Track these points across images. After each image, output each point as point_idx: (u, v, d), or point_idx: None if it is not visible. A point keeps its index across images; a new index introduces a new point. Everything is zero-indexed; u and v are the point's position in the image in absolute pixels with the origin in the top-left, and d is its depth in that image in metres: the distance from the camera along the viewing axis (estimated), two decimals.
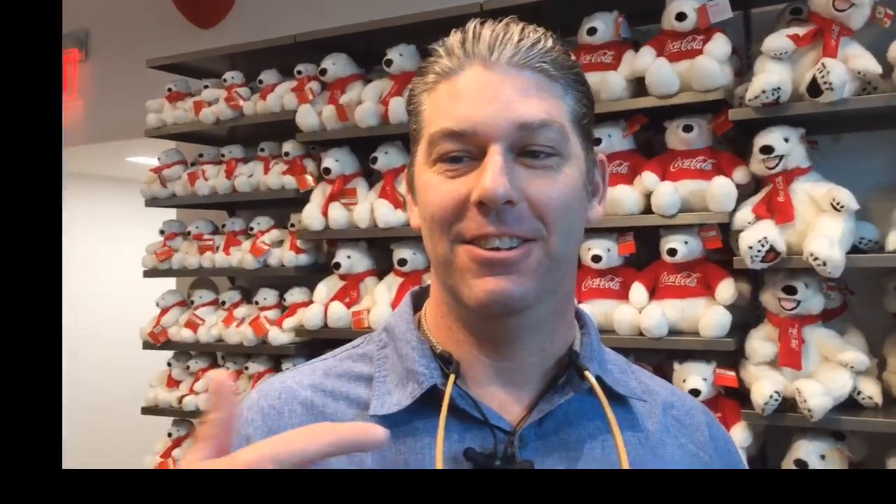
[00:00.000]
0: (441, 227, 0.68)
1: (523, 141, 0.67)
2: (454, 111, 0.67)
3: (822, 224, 1.88)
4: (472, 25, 0.71)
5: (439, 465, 0.66)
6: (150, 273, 3.14)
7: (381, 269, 2.67)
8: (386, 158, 2.51)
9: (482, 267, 0.67)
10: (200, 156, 3.11)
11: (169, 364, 3.16)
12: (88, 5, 3.88)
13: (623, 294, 2.16)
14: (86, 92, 3.93)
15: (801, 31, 1.93)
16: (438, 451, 0.67)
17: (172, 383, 3.11)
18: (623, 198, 2.10)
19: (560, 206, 0.67)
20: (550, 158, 0.68)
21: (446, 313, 0.74)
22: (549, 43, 0.70)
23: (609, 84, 2.13)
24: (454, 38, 0.71)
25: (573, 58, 0.73)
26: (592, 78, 2.16)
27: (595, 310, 2.15)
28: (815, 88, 1.85)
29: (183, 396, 2.99)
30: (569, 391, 0.71)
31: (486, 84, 0.67)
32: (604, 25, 2.19)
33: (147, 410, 3.11)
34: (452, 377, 0.70)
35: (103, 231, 5.47)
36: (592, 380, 0.71)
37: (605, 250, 2.16)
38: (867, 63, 1.84)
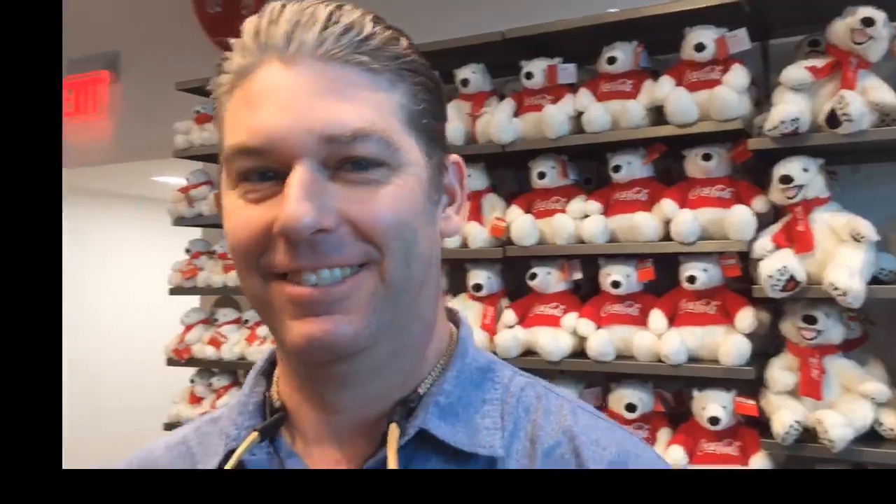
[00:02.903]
0: (246, 261, 0.57)
1: (336, 154, 0.55)
2: (248, 122, 0.56)
3: (843, 254, 1.88)
4: (269, 6, 0.58)
5: None
6: (176, 291, 3.19)
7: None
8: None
9: (299, 307, 0.56)
10: None
11: (192, 381, 3.21)
12: (119, 27, 3.98)
13: (642, 320, 2.17)
14: (115, 112, 4.02)
15: (819, 62, 1.95)
16: None
17: (195, 400, 3.16)
18: (642, 225, 2.12)
19: (392, 225, 0.56)
20: (375, 170, 0.56)
21: (282, 354, 0.65)
22: (368, 27, 0.57)
23: (629, 112, 2.15)
24: (249, 25, 0.58)
25: (405, 43, 0.60)
26: (612, 106, 2.19)
27: (613, 336, 2.16)
28: (833, 120, 1.86)
29: (205, 413, 3.03)
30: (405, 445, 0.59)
31: (283, 85, 0.55)
32: (623, 55, 2.22)
33: (169, 426, 3.15)
34: (251, 437, 0.61)
35: (128, 248, 5.56)
36: (393, 434, 0.58)
37: (624, 276, 2.18)
38: (885, 95, 1.85)
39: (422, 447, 0.59)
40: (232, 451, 0.61)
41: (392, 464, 0.56)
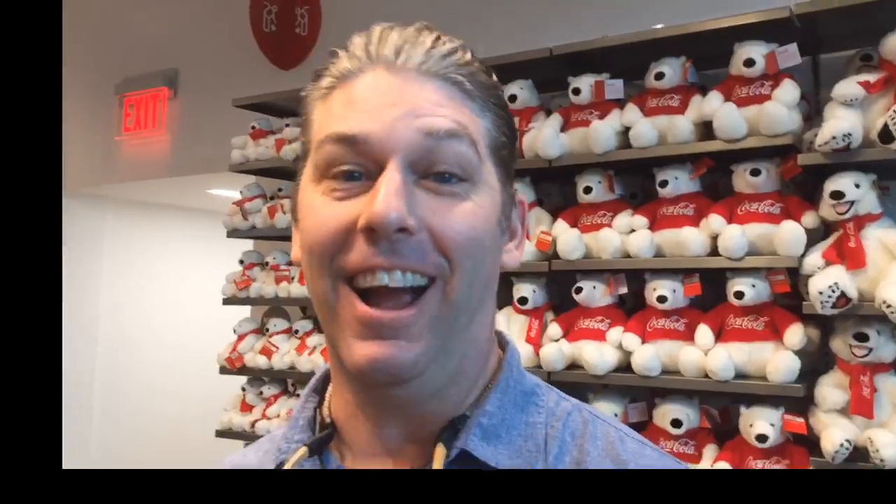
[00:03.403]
0: (320, 260, 0.58)
1: (428, 156, 0.57)
2: (347, 117, 0.58)
3: (895, 271, 1.85)
4: (377, 28, 0.62)
5: None
6: (230, 301, 3.28)
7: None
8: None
9: (366, 327, 0.56)
10: (280, 190, 3.26)
11: (243, 389, 3.29)
12: (178, 46, 4.14)
13: (688, 335, 2.16)
14: (173, 128, 4.17)
15: (871, 77, 1.93)
16: None
17: (246, 408, 3.23)
18: (689, 239, 2.12)
19: (468, 240, 0.57)
20: (460, 184, 0.58)
21: (337, 368, 0.64)
22: (468, 56, 0.62)
23: (676, 127, 2.16)
24: (356, 40, 0.62)
25: (494, 78, 0.64)
26: (659, 121, 2.20)
27: (659, 350, 2.16)
28: (886, 135, 1.84)
29: (256, 421, 3.11)
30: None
31: (389, 87, 0.58)
32: (671, 70, 2.23)
33: (221, 433, 3.23)
34: (300, 452, 0.62)
35: (182, 259, 5.72)
36: (438, 455, 0.59)
37: (670, 291, 2.18)
38: None
39: (464, 468, 0.59)
40: (281, 465, 0.63)
41: None
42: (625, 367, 2.23)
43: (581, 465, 0.60)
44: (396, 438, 0.62)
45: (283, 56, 3.69)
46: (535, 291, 2.41)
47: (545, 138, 2.34)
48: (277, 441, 0.67)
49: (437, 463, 0.58)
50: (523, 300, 2.41)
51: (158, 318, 5.44)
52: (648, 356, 2.13)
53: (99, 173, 4.44)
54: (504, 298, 2.50)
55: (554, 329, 2.34)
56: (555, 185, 2.62)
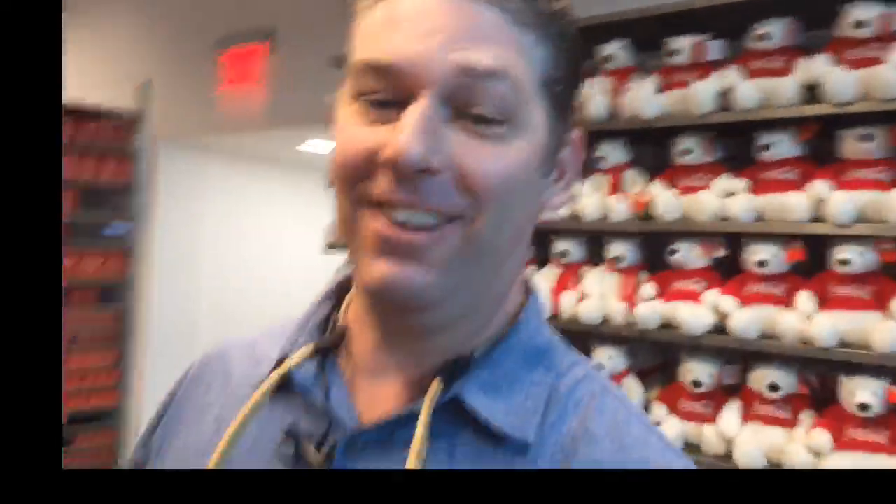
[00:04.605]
0: (343, 183, 0.55)
1: (464, 94, 0.53)
2: (385, 40, 0.54)
3: None
4: None
5: (224, 443, 0.59)
6: (332, 246, 3.40)
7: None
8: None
9: (385, 243, 0.54)
10: None
11: None
12: (277, 2, 4.23)
13: (787, 301, 2.15)
14: (272, 82, 4.30)
15: None
16: (233, 425, 0.59)
17: None
18: (794, 204, 2.08)
19: (498, 183, 0.53)
20: (497, 127, 0.54)
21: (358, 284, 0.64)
22: None
23: (781, 90, 2.10)
24: None
25: (563, 3, 0.58)
26: (762, 83, 2.15)
27: (758, 315, 2.15)
28: None
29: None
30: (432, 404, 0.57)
31: (434, 10, 0.53)
32: (776, 30, 2.16)
33: None
34: (306, 350, 0.62)
35: (282, 210, 5.93)
36: (433, 389, 0.56)
37: (771, 255, 2.16)
38: None
39: (456, 415, 0.57)
40: (282, 360, 0.62)
41: (423, 419, 0.55)
42: (720, 329, 2.24)
43: (578, 440, 0.57)
44: (398, 363, 0.60)
45: None
46: (630, 251, 2.44)
47: (641, 98, 2.32)
48: (283, 341, 0.66)
49: (429, 398, 0.56)
50: (619, 259, 2.45)
51: (260, 267, 5.70)
52: (746, 319, 2.14)
53: (200, 124, 4.66)
54: (596, 257, 2.56)
55: (648, 289, 2.37)
56: (649, 147, 2.60)
